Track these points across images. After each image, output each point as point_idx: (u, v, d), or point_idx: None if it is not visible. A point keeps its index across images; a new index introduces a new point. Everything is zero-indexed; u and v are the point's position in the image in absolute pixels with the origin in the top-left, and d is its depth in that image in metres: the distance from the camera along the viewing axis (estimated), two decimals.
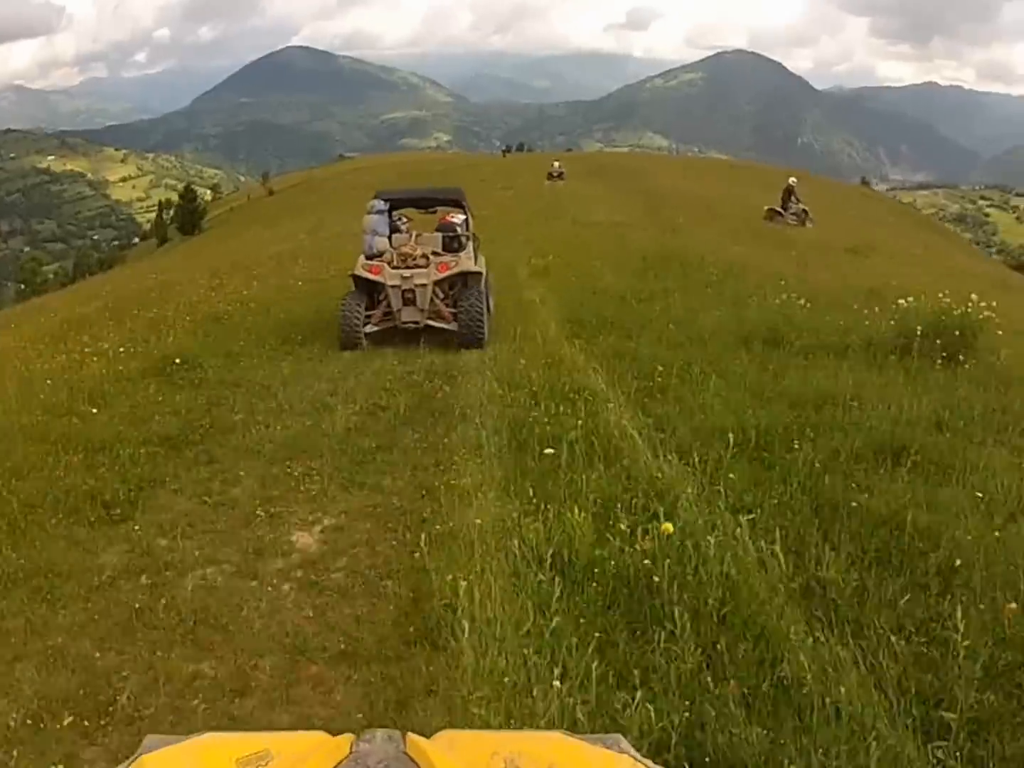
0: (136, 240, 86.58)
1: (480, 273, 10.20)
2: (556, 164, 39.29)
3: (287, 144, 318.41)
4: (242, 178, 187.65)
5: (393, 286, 9.81)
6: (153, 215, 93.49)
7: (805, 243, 22.11)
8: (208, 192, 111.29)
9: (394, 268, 9.88)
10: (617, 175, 45.57)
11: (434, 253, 10.13)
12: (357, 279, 10.12)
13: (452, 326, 9.83)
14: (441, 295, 10.07)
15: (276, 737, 0.98)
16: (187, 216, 63.40)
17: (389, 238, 10.41)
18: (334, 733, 0.98)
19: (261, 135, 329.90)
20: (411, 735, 0.93)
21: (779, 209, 27.67)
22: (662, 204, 29.95)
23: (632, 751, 0.97)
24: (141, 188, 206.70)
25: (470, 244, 10.39)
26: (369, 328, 9.96)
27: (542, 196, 32.07)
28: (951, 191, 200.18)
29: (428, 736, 0.96)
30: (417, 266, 9.89)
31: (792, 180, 28.59)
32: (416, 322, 9.93)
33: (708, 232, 22.02)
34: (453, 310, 9.94)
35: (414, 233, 10.82)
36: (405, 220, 11.38)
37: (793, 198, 27.72)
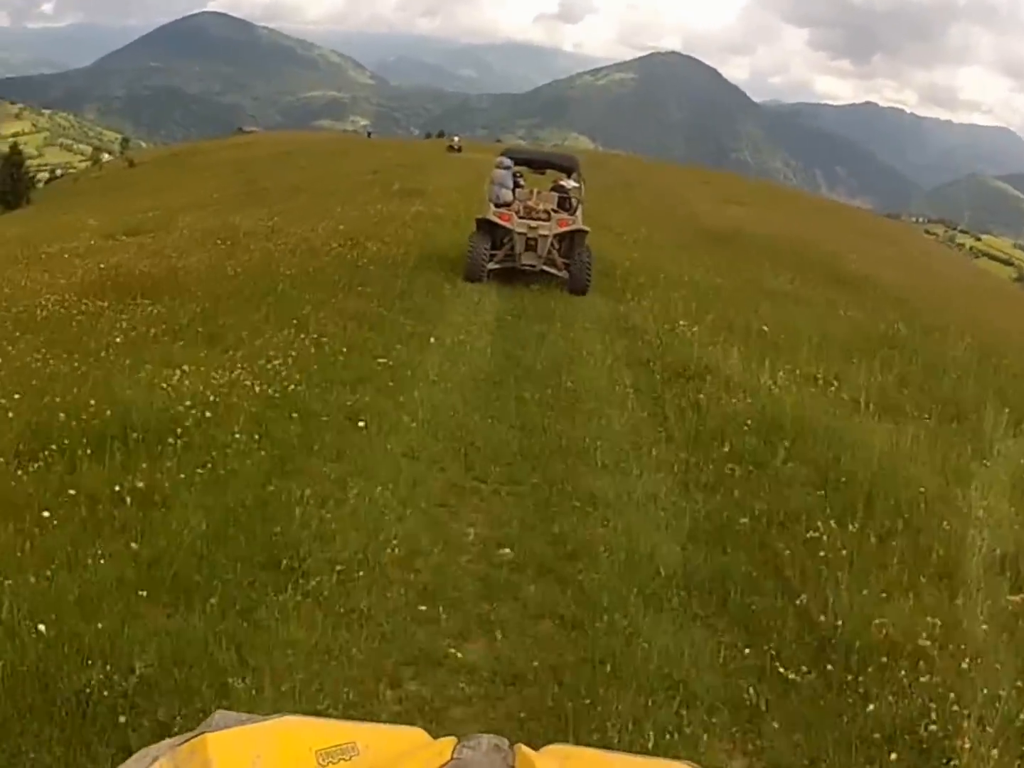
0: None
1: (588, 232, 11.99)
2: (456, 139, 48.43)
3: (195, 114, 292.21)
4: (143, 144, 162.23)
5: (519, 233, 11.62)
6: (44, 175, 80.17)
7: None
8: (106, 155, 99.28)
9: (521, 218, 11.75)
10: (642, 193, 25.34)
11: (553, 210, 12.21)
12: (481, 222, 11.94)
13: (563, 274, 11.77)
14: (556, 246, 11.84)
15: (366, 729, 0.85)
16: (10, 184, 48.65)
17: (512, 191, 12.34)
18: (433, 733, 0.87)
19: (168, 102, 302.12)
20: (521, 746, 0.85)
21: None
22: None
23: None
24: (33, 145, 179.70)
25: (580, 207, 12.33)
26: (492, 265, 11.75)
27: None
28: (896, 222, 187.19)
29: (537, 749, 0.87)
30: (540, 219, 11.82)
31: None
32: (533, 266, 11.78)
33: None
34: (565, 260, 11.80)
35: (534, 190, 12.88)
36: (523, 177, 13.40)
37: None
